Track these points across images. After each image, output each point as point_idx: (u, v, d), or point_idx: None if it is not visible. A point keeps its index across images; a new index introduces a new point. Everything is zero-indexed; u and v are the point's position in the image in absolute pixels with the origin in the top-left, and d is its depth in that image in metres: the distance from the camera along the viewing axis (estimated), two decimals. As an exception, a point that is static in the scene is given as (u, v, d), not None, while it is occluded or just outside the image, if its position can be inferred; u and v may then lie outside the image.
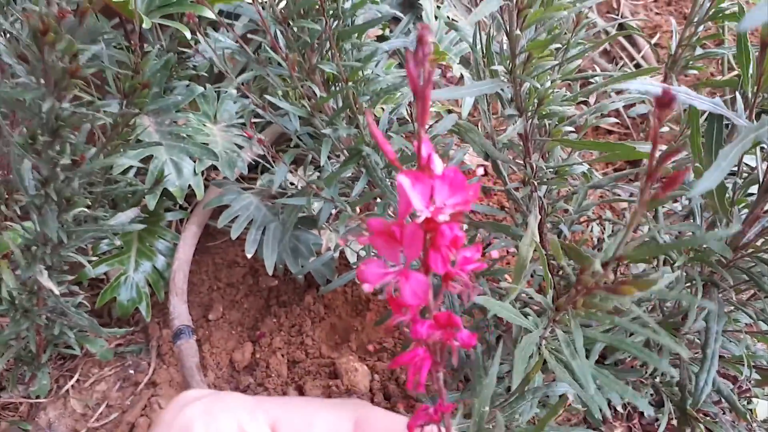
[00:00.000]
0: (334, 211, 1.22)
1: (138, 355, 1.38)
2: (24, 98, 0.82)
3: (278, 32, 0.99)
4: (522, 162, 0.95)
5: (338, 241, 1.10)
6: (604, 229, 1.14)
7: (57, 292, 1.00)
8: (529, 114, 0.85)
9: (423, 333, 0.36)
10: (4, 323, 1.15)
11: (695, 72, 1.33)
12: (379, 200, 1.09)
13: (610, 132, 1.84)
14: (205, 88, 1.45)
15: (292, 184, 1.42)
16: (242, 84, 1.08)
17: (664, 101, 0.32)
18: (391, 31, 1.63)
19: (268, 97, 1.03)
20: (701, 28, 1.26)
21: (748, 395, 1.12)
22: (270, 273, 1.33)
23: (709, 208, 0.84)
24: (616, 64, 2.00)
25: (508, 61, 0.80)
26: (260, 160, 1.41)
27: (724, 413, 1.08)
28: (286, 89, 1.05)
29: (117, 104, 0.99)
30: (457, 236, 0.35)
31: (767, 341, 1.02)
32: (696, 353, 1.01)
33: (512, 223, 1.06)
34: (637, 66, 1.99)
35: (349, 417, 0.45)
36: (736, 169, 0.87)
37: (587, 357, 0.53)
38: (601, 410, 0.56)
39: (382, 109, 1.39)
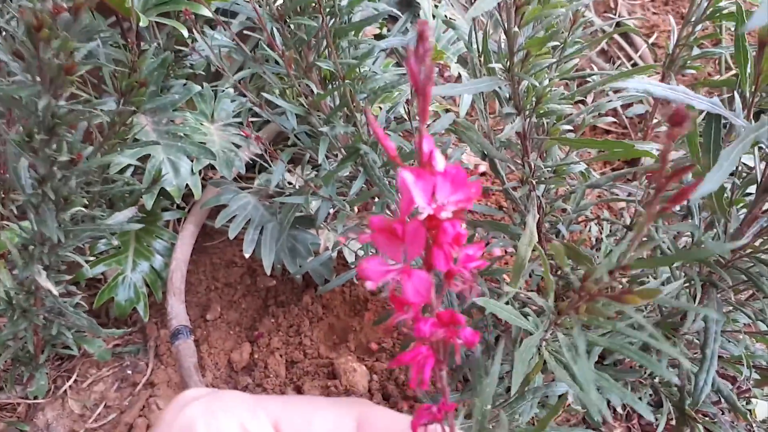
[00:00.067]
0: (331, 211, 1.22)
1: (136, 356, 1.37)
2: (20, 96, 0.82)
3: (275, 30, 0.98)
4: (520, 161, 0.95)
5: (338, 239, 1.10)
6: (602, 228, 1.14)
7: (55, 293, 0.99)
8: (528, 112, 0.85)
9: (426, 331, 0.35)
10: (2, 323, 1.15)
11: (693, 71, 1.33)
12: (377, 199, 1.09)
13: (607, 131, 1.84)
14: (202, 87, 1.45)
15: (289, 183, 1.42)
16: (239, 82, 1.08)
17: (677, 120, 0.32)
18: (388, 30, 1.62)
19: (265, 95, 1.03)
20: (699, 27, 1.26)
21: (747, 395, 1.12)
22: (268, 273, 1.33)
23: (707, 208, 0.84)
24: (614, 64, 2.00)
25: (505, 59, 0.80)
26: (258, 159, 1.40)
27: (723, 413, 1.08)
28: (284, 87, 1.05)
29: (114, 103, 0.99)
30: (460, 233, 0.35)
31: (766, 341, 1.02)
32: (695, 353, 1.01)
33: (510, 223, 1.06)
34: (635, 65, 2.00)
35: (351, 415, 0.44)
36: (734, 168, 0.87)
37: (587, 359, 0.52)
38: (600, 412, 0.56)
39: (380, 107, 1.39)
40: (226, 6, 1.39)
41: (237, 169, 1.41)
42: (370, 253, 1.11)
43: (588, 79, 0.92)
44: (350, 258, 1.38)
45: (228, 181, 1.41)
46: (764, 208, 0.81)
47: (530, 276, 1.07)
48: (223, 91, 1.50)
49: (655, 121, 1.50)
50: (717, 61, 1.93)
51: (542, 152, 0.95)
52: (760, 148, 0.80)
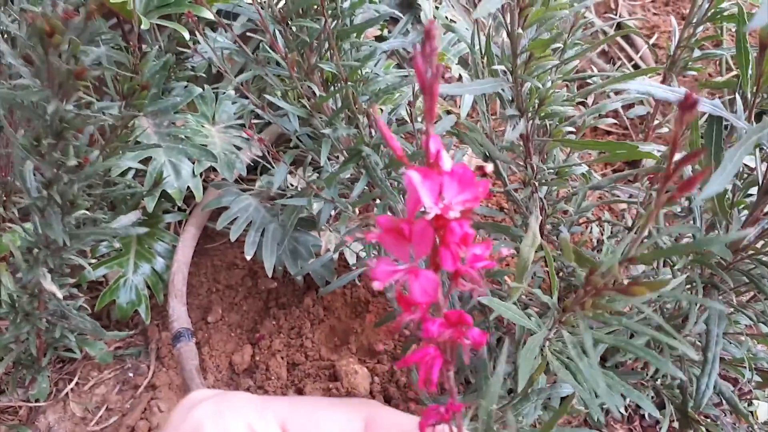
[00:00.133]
0: (333, 212, 1.22)
1: (137, 358, 1.37)
2: (28, 100, 0.82)
3: (277, 32, 0.99)
4: (522, 163, 0.95)
5: (345, 239, 1.10)
6: (603, 230, 1.14)
7: (60, 296, 1.00)
8: (530, 114, 0.85)
9: (434, 331, 0.35)
10: (4, 326, 1.15)
11: (694, 73, 1.33)
12: (378, 201, 1.09)
13: (608, 132, 1.84)
14: (203, 89, 1.45)
15: (291, 185, 1.42)
16: (241, 84, 1.08)
17: (687, 104, 0.32)
18: (389, 32, 1.63)
19: (267, 96, 1.03)
20: (700, 29, 1.27)
21: (748, 397, 1.12)
22: (269, 275, 1.33)
23: (708, 210, 0.84)
24: (614, 65, 2.00)
25: (508, 61, 0.80)
26: (260, 161, 1.40)
27: (725, 415, 1.08)
28: (285, 89, 1.05)
29: (116, 106, 0.99)
30: (467, 233, 0.35)
31: (768, 343, 1.02)
32: (696, 355, 1.01)
33: (511, 224, 1.06)
34: (636, 66, 2.00)
35: (359, 416, 0.44)
36: (740, 167, 0.87)
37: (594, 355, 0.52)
38: (605, 412, 0.56)
39: (381, 109, 1.39)
40: (227, 8, 1.40)
41: (238, 171, 1.42)
42: (372, 255, 1.11)
43: (589, 80, 0.92)
44: (351, 260, 1.38)
45: (229, 183, 1.41)
46: (765, 210, 0.81)
47: (532, 278, 1.07)
48: (224, 93, 1.50)
49: (656, 122, 1.51)
50: (718, 63, 1.94)
51: (544, 154, 0.95)
52: (761, 150, 0.80)
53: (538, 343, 0.59)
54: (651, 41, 2.07)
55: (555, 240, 1.05)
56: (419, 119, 1.03)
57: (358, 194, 1.07)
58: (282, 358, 1.33)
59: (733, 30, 1.93)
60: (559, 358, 0.64)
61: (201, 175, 1.39)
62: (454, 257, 0.35)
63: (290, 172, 1.20)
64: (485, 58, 0.82)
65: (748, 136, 0.57)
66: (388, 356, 1.33)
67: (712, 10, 1.21)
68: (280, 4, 0.97)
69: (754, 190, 0.83)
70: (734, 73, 1.81)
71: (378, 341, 1.35)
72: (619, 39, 2.05)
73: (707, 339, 0.82)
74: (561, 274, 1.06)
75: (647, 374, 1.06)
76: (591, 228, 1.23)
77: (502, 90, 0.81)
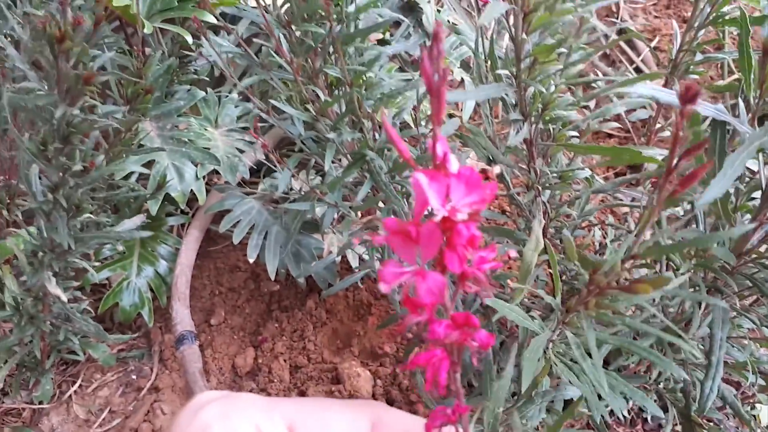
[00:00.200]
0: (336, 215, 1.22)
1: (140, 361, 1.37)
2: (35, 105, 0.82)
3: (282, 36, 0.99)
4: (525, 166, 0.95)
5: (352, 241, 1.10)
6: (606, 233, 1.14)
7: (64, 299, 1.00)
8: (534, 119, 0.85)
9: (441, 333, 0.36)
10: (8, 329, 1.15)
11: (696, 76, 1.34)
12: (382, 205, 1.09)
13: (610, 136, 1.84)
14: (206, 92, 1.45)
15: (291, 189, 1.42)
16: (246, 88, 1.08)
17: (688, 97, 0.32)
18: (391, 35, 1.63)
19: (272, 101, 1.03)
20: (701, 32, 1.27)
21: (751, 401, 1.12)
22: (272, 277, 1.33)
23: (711, 214, 0.84)
24: (616, 68, 2.00)
25: (512, 66, 0.80)
26: (265, 163, 1.41)
27: (727, 419, 1.08)
28: (290, 93, 1.06)
29: (121, 110, 1.00)
30: (474, 235, 0.35)
31: (770, 346, 1.02)
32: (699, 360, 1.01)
33: (514, 228, 1.06)
34: (637, 69, 2.00)
35: (366, 417, 0.44)
36: (739, 174, 0.87)
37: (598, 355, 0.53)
38: (610, 413, 0.56)
39: (383, 111, 1.39)
40: (229, 11, 1.40)
41: (241, 174, 1.42)
42: (375, 257, 1.12)
43: (593, 84, 0.92)
44: (354, 262, 1.38)
45: (232, 186, 1.41)
46: (769, 213, 0.81)
47: (535, 280, 1.07)
48: (227, 96, 1.50)
49: (658, 125, 1.51)
50: (719, 66, 1.94)
51: (548, 158, 0.95)
52: (765, 154, 0.80)
53: (541, 345, 0.59)
54: (652, 44, 2.07)
55: (558, 243, 1.05)
56: (423, 123, 1.03)
57: (362, 198, 1.07)
58: (284, 360, 1.33)
59: (735, 33, 1.93)
60: (562, 360, 0.64)
61: (204, 178, 1.39)
62: (461, 259, 0.36)
63: (293, 175, 1.20)
64: (489, 62, 0.82)
65: (751, 141, 0.57)
66: (391, 359, 1.33)
67: (714, 14, 1.22)
68: (284, 8, 0.97)
69: (757, 194, 0.83)
70: (736, 76, 1.81)
71: (382, 343, 1.35)
72: (620, 42, 2.05)
73: (711, 343, 0.82)
74: (564, 277, 1.06)
75: (650, 378, 1.06)
76: (594, 231, 1.23)
77: (506, 94, 0.81)
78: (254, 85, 1.34)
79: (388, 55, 1.04)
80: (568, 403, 0.81)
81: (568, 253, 0.48)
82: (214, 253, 1.54)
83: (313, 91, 1.03)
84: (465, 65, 1.65)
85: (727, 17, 1.21)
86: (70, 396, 1.30)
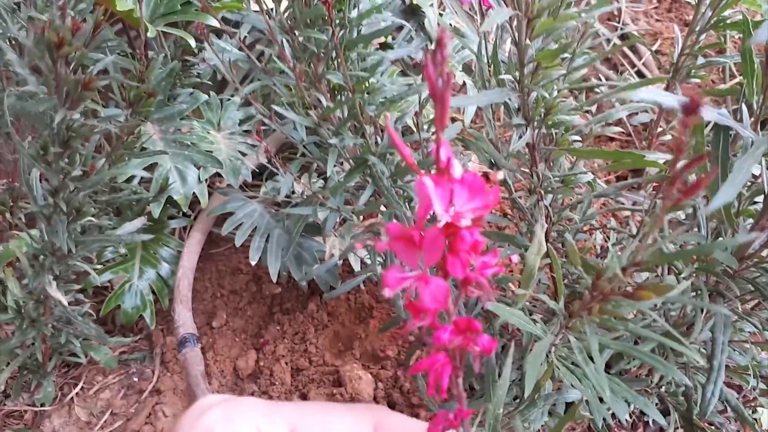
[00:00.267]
0: (338, 219, 1.23)
1: (142, 363, 1.37)
2: (35, 110, 0.83)
3: (285, 42, 0.99)
4: (527, 171, 0.95)
5: (355, 245, 1.11)
6: (608, 237, 1.14)
7: (65, 303, 1.00)
8: (537, 123, 0.85)
9: (444, 338, 0.36)
10: (10, 331, 1.15)
11: (697, 80, 1.34)
12: (384, 209, 1.10)
13: (612, 139, 1.84)
14: (209, 96, 1.46)
15: (293, 192, 1.43)
16: (249, 93, 1.08)
17: (691, 108, 0.33)
18: (393, 38, 1.63)
19: (275, 107, 1.04)
20: (703, 36, 1.27)
21: (753, 404, 1.12)
22: (274, 280, 1.34)
23: (714, 218, 0.84)
24: (618, 71, 2.01)
25: (515, 70, 0.80)
26: (268, 166, 1.41)
27: (729, 422, 1.08)
28: (292, 99, 1.06)
29: (122, 113, 1.00)
30: (477, 241, 0.35)
31: (772, 350, 1.02)
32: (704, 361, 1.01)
33: (515, 231, 1.06)
34: (639, 73, 2.00)
35: (368, 421, 0.45)
36: (746, 181, 0.87)
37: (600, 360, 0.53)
38: (612, 416, 0.56)
39: (386, 116, 1.39)
40: (235, 18, 1.40)
41: (243, 177, 1.42)
42: (377, 261, 1.12)
43: (596, 89, 0.92)
44: (356, 266, 1.38)
45: (234, 189, 1.41)
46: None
47: (537, 284, 1.07)
48: (229, 99, 1.50)
49: (659, 129, 1.51)
50: (721, 70, 1.94)
51: (550, 162, 0.96)
52: (767, 158, 0.80)
53: (544, 349, 0.59)
54: (654, 47, 2.07)
55: (560, 247, 1.06)
56: (425, 128, 1.03)
57: (364, 203, 1.07)
58: (286, 363, 1.33)
59: (737, 37, 1.94)
60: (564, 364, 0.65)
61: (206, 181, 1.40)
62: (463, 265, 0.36)
63: (296, 179, 1.20)
64: (492, 66, 0.83)
65: (757, 146, 0.58)
66: (392, 362, 1.33)
67: (715, 18, 1.22)
68: (287, 13, 0.97)
69: (759, 198, 0.83)
70: (737, 80, 1.81)
71: (383, 346, 1.35)
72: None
73: (713, 347, 0.82)
74: (565, 280, 1.06)
75: (651, 381, 1.06)
76: (595, 235, 1.23)
77: (509, 99, 0.81)
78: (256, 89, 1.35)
79: (390, 59, 1.05)
80: (569, 405, 0.81)
81: (572, 258, 0.48)
82: (216, 255, 1.54)
83: (316, 96, 1.03)
84: (467, 68, 1.65)
85: (728, 21, 1.21)
86: (72, 398, 1.30)
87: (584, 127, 0.88)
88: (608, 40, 2.00)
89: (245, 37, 1.19)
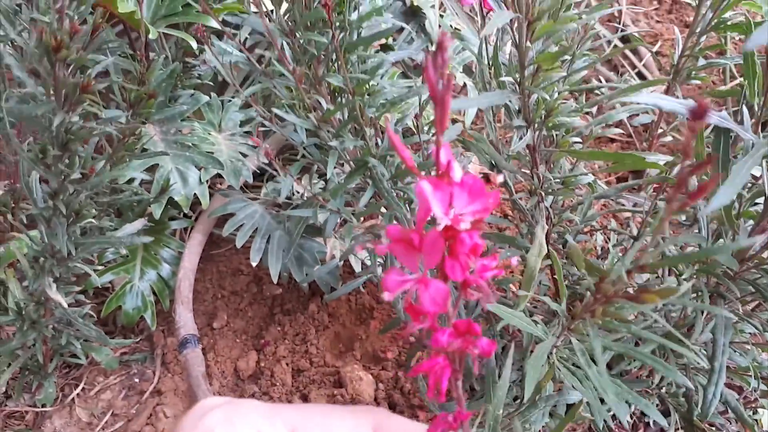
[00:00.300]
0: (339, 221, 1.23)
1: (143, 364, 1.38)
2: (34, 113, 0.83)
3: (285, 44, 0.99)
4: (528, 172, 0.96)
5: (355, 248, 1.11)
6: (609, 238, 1.14)
7: (65, 305, 1.00)
8: (537, 125, 0.85)
9: (443, 341, 0.36)
10: (11, 332, 1.15)
11: (698, 82, 1.33)
12: (384, 211, 1.10)
13: (612, 140, 1.84)
14: (210, 97, 1.46)
15: (295, 192, 1.43)
16: (249, 96, 1.08)
17: (698, 113, 0.33)
18: (393, 39, 1.63)
19: (275, 110, 1.04)
20: (703, 38, 1.27)
21: (754, 406, 1.12)
22: (275, 281, 1.34)
23: (714, 220, 0.84)
24: (618, 72, 2.01)
25: (516, 72, 0.80)
26: (267, 169, 1.41)
27: (730, 423, 1.08)
28: (292, 101, 1.06)
29: (123, 114, 1.00)
30: (477, 244, 0.35)
31: (773, 351, 1.02)
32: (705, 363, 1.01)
33: (516, 232, 1.06)
34: (640, 74, 2.00)
35: (368, 424, 0.45)
36: (745, 182, 0.87)
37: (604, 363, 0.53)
38: (612, 417, 0.56)
39: (387, 119, 1.39)
40: (236, 22, 1.41)
41: (244, 178, 1.42)
42: (378, 263, 1.12)
43: (596, 91, 0.92)
44: (357, 267, 1.38)
45: (235, 190, 1.41)
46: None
47: (538, 285, 1.07)
48: (230, 101, 1.50)
49: (660, 130, 1.51)
50: (721, 71, 1.94)
51: (551, 164, 0.96)
52: (767, 160, 0.80)
53: (546, 351, 0.59)
54: (654, 49, 2.07)
55: (561, 248, 1.06)
56: (426, 129, 1.03)
57: (364, 204, 1.07)
58: (287, 364, 1.33)
59: (737, 38, 1.94)
60: (566, 366, 0.65)
61: (207, 182, 1.40)
62: (463, 267, 0.36)
63: (297, 180, 1.20)
64: (492, 68, 0.83)
65: (757, 149, 0.58)
66: (393, 363, 1.33)
67: (716, 20, 1.22)
68: (287, 16, 0.97)
69: (760, 200, 0.83)
70: (738, 81, 1.81)
71: (384, 347, 1.35)
72: (622, 46, 2.05)
73: (714, 348, 0.83)
74: (566, 281, 1.06)
75: (652, 382, 1.06)
76: (596, 236, 1.23)
77: (509, 101, 0.81)
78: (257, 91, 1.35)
79: (390, 61, 1.05)
80: (570, 407, 0.81)
81: (576, 262, 0.49)
82: (216, 256, 1.55)
83: (316, 98, 1.03)
84: (468, 70, 1.65)
85: (729, 23, 1.21)
86: (73, 399, 1.30)
87: (584, 128, 0.88)
88: (609, 42, 2.00)
89: (246, 39, 1.19)
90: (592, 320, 0.49)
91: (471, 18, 1.03)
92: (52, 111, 0.83)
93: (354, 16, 0.95)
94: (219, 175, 1.43)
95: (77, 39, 0.78)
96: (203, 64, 1.11)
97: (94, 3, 1.16)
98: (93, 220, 1.00)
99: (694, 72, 1.31)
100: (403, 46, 1.62)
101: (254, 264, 1.34)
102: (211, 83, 1.53)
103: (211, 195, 1.44)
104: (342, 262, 1.36)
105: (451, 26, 1.67)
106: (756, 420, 1.18)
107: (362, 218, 1.18)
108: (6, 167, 1.16)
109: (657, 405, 1.11)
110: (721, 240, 0.86)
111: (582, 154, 0.89)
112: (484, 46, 0.88)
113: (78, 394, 1.31)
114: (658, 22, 2.20)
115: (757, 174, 0.81)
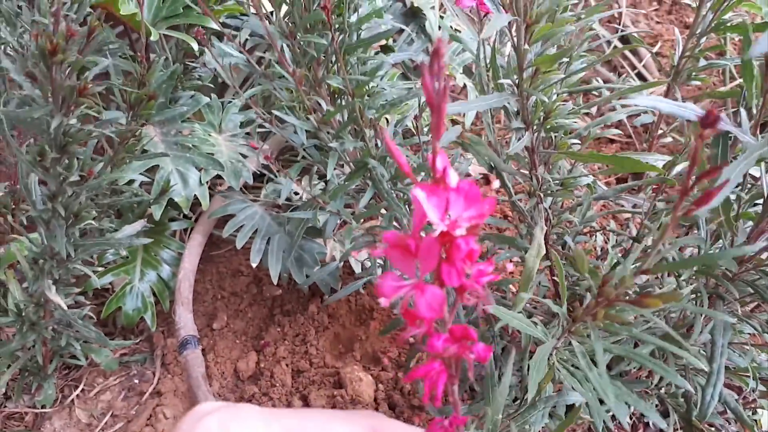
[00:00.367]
0: (339, 222, 1.23)
1: (143, 365, 1.38)
2: (32, 116, 0.83)
3: (284, 46, 0.99)
4: (527, 173, 0.96)
5: (352, 254, 1.11)
6: (608, 239, 1.14)
7: (64, 307, 1.00)
8: (536, 127, 0.85)
9: (439, 347, 0.36)
10: (10, 333, 1.16)
11: (698, 83, 1.33)
12: (384, 212, 1.10)
13: (612, 141, 1.84)
14: (210, 98, 1.46)
15: (296, 193, 1.43)
16: (249, 98, 1.09)
17: (708, 122, 0.33)
18: (394, 41, 1.63)
19: (275, 111, 1.04)
20: (704, 39, 1.27)
21: (753, 406, 1.12)
22: (275, 282, 1.34)
23: (713, 222, 0.84)
24: (618, 73, 2.00)
25: (514, 75, 0.80)
26: (266, 172, 1.41)
27: (729, 424, 1.08)
28: (292, 102, 1.06)
29: (123, 116, 1.00)
30: (473, 249, 0.36)
31: (772, 352, 1.02)
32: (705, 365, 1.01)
33: (515, 233, 1.06)
34: (640, 75, 2.00)
35: (365, 428, 0.45)
36: (740, 181, 0.87)
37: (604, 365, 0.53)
38: (612, 418, 0.56)
39: (387, 119, 1.40)
40: (236, 24, 1.41)
41: (244, 179, 1.42)
42: (377, 265, 1.12)
43: (595, 92, 0.92)
44: (357, 268, 1.39)
45: (235, 191, 1.41)
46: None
47: (537, 286, 1.07)
48: (230, 102, 1.51)
49: (660, 131, 1.51)
50: (721, 72, 1.94)
51: (549, 165, 0.96)
52: (766, 162, 0.80)
53: (547, 353, 0.59)
54: (654, 50, 2.07)
55: (560, 250, 1.06)
56: (426, 130, 1.03)
57: (364, 206, 1.08)
58: (287, 365, 1.33)
59: (737, 39, 1.94)
60: (565, 367, 0.65)
61: (207, 183, 1.40)
62: (459, 273, 0.36)
63: (297, 181, 1.20)
64: (491, 70, 0.83)
65: (752, 151, 0.58)
66: (393, 363, 1.33)
67: (716, 21, 1.22)
68: (287, 18, 0.97)
69: (759, 201, 0.83)
70: (738, 82, 1.81)
71: (384, 348, 1.36)
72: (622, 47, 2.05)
73: (712, 350, 0.83)
74: (565, 282, 1.06)
75: (651, 383, 1.06)
76: (595, 237, 1.23)
77: (508, 103, 0.82)
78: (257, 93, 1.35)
79: (390, 63, 1.05)
80: (570, 408, 0.81)
81: (580, 265, 0.49)
82: (216, 257, 1.55)
83: (316, 100, 1.03)
84: (468, 71, 1.65)
85: (729, 24, 1.21)
86: (73, 400, 1.30)
87: (583, 130, 0.88)
88: (609, 43, 2.00)
89: (246, 41, 1.19)
90: (594, 323, 0.49)
91: (471, 19, 1.03)
92: (49, 114, 0.83)
93: (353, 18, 0.95)
94: (219, 177, 1.43)
95: (73, 42, 0.78)
96: (203, 65, 1.11)
97: (95, 5, 1.16)
98: (93, 222, 1.00)
99: (694, 73, 1.31)
100: (403, 47, 1.62)
101: (254, 265, 1.34)
102: (211, 85, 1.53)
103: (211, 196, 1.44)
104: (342, 263, 1.37)
105: (451, 27, 1.67)
106: (755, 420, 1.19)
107: (362, 219, 1.18)
108: (6, 169, 1.16)
109: (656, 405, 1.11)
110: (721, 242, 0.86)
111: (580, 156, 0.89)
112: (482, 48, 0.88)
113: (78, 395, 1.31)
114: (658, 23, 2.19)
115: (757, 175, 0.82)
